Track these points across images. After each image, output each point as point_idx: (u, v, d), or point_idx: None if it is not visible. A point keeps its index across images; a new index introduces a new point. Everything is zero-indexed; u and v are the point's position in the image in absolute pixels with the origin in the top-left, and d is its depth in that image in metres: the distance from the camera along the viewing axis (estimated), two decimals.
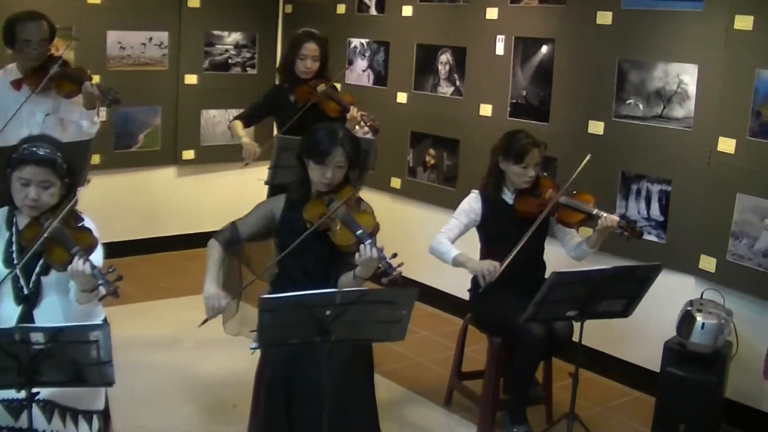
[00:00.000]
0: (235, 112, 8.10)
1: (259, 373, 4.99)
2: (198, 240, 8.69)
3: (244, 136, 6.53)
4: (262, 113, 6.77)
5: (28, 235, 3.93)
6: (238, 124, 6.60)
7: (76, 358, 3.37)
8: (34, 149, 3.97)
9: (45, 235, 3.83)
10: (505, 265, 5.07)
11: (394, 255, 4.17)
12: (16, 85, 5.79)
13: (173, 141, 8.71)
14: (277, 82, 8.80)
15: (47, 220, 3.93)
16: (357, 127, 6.19)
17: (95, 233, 3.98)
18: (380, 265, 4.18)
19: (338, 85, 6.94)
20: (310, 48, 6.39)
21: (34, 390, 3.46)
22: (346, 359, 4.26)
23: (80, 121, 5.86)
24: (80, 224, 3.99)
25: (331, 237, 4.47)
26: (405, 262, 4.16)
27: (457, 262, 5.21)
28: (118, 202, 7.71)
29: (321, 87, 6.36)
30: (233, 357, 6.22)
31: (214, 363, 6.27)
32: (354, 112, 6.24)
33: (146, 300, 7.31)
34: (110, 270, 3.73)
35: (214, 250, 4.70)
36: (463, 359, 5.75)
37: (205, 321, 4.51)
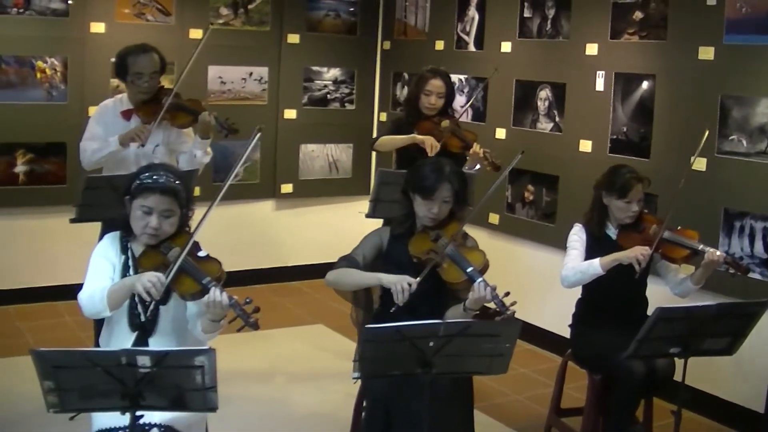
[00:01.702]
0: (333, 146, 8.21)
1: (358, 406, 4.99)
2: (295, 273, 8.81)
3: (414, 135, 6.37)
4: None
5: (146, 263, 3.93)
6: (389, 136, 6.55)
7: (180, 382, 3.37)
8: (157, 177, 3.98)
9: (176, 268, 3.82)
10: (654, 246, 5.00)
11: (507, 293, 4.12)
12: (126, 114, 5.89)
13: (272, 174, 8.82)
14: (375, 117, 8.91)
15: (168, 249, 3.96)
16: (479, 164, 6.18)
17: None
18: (493, 304, 4.15)
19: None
20: (436, 84, 6.39)
21: (138, 413, 3.46)
22: (447, 393, 4.23)
23: (193, 150, 5.94)
24: (202, 254, 4.01)
25: (441, 274, 4.44)
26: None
27: (605, 264, 5.05)
28: (215, 234, 7.78)
29: (445, 123, 6.35)
30: (326, 390, 6.26)
31: (307, 396, 6.29)
32: (477, 148, 6.21)
33: (252, 331, 7.33)
34: (247, 301, 3.75)
35: (344, 269, 4.59)
36: (562, 396, 5.69)
37: (397, 307, 4.27)
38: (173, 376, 3.35)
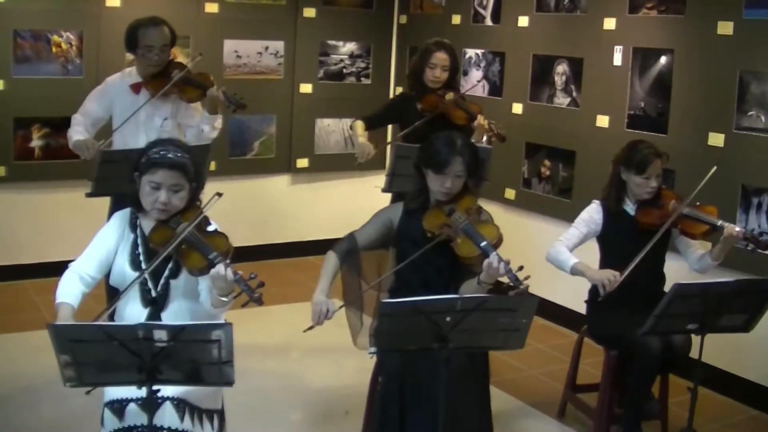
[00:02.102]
0: (349, 121, 8.14)
1: (374, 381, 4.98)
2: (310, 248, 8.79)
3: (362, 135, 6.50)
4: (386, 119, 6.82)
5: (156, 238, 3.97)
6: (360, 124, 6.57)
7: (196, 357, 3.39)
8: (165, 152, 4.00)
9: (179, 239, 3.86)
10: (624, 275, 4.98)
11: (521, 268, 4.10)
12: (135, 88, 5.88)
13: (287, 149, 8.80)
14: (391, 92, 8.89)
15: (177, 224, 3.97)
16: (485, 136, 6.17)
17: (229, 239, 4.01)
18: (507, 278, 4.14)
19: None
20: (440, 57, 6.36)
21: (154, 387, 3.48)
22: (463, 368, 4.23)
23: (200, 125, 5.92)
24: (212, 229, 4.04)
25: (454, 248, 4.42)
26: None
27: (575, 271, 5.13)
28: (231, 209, 7.81)
29: (449, 96, 6.34)
30: (342, 365, 6.26)
31: (323, 370, 6.32)
32: (481, 120, 6.19)
33: (256, 307, 7.36)
34: (252, 276, 3.75)
35: (330, 261, 4.67)
36: (578, 372, 5.68)
37: (311, 327, 4.46)
38: (190, 350, 3.37)
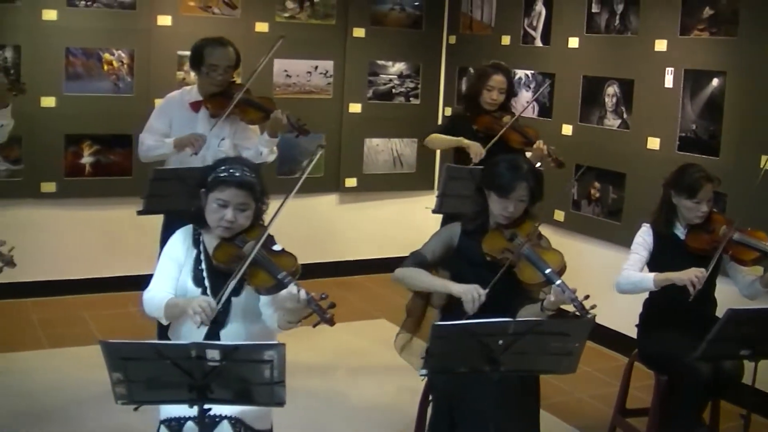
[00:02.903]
0: (398, 141, 8.20)
1: (423, 402, 4.97)
2: (358, 267, 8.80)
3: (462, 138, 6.43)
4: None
5: (220, 256, 3.96)
6: (439, 134, 6.58)
7: (248, 376, 3.38)
8: (233, 171, 4.01)
9: (248, 260, 3.84)
10: (710, 270, 4.91)
11: (587, 297, 4.09)
12: (195, 106, 5.91)
13: (336, 168, 8.83)
14: (440, 112, 8.89)
15: (243, 242, 3.98)
16: (541, 161, 6.14)
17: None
18: (573, 307, 4.11)
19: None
20: (498, 80, 6.37)
21: (205, 407, 3.48)
22: (513, 391, 4.19)
23: (259, 147, 5.94)
24: (277, 248, 4.04)
25: (517, 274, 4.40)
26: None
27: (659, 282, 5.01)
28: (279, 228, 7.82)
29: (506, 118, 6.33)
30: (388, 385, 6.26)
31: (369, 390, 6.30)
32: (540, 144, 6.19)
33: (302, 326, 7.35)
34: (323, 297, 3.72)
35: (413, 270, 4.60)
36: (627, 396, 5.63)
37: (468, 317, 4.22)
38: (242, 370, 3.36)
